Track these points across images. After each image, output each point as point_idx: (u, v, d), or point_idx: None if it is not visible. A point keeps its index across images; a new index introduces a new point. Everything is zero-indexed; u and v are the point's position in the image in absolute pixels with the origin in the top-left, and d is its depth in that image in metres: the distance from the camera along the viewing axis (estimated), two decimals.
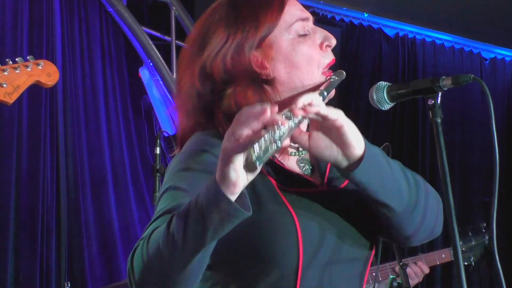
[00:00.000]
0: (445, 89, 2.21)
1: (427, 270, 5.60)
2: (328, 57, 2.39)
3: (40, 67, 2.25)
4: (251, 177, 1.96)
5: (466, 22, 8.21)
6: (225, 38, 2.35)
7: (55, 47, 5.76)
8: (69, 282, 4.88)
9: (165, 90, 6.06)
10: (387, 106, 2.31)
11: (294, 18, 2.37)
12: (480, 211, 7.51)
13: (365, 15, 7.94)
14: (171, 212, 2.14)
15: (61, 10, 5.83)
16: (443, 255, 5.65)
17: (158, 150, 5.53)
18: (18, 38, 5.62)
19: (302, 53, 2.36)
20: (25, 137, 5.63)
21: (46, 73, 2.27)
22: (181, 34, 6.18)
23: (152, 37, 6.06)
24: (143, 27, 6.00)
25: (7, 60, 2.23)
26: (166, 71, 6.03)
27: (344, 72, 2.32)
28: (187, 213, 2.03)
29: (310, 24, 2.41)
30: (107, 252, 5.83)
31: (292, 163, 2.38)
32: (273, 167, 2.31)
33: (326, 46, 2.39)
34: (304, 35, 2.38)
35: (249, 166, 1.91)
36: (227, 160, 1.95)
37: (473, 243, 5.48)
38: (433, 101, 2.21)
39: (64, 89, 5.85)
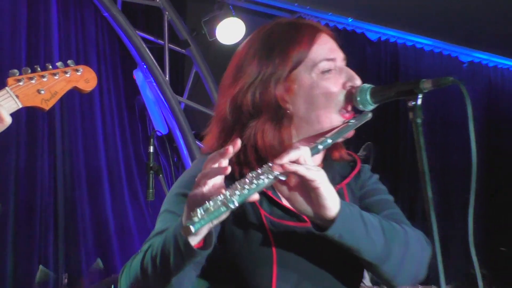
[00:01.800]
0: (425, 91, 2.20)
1: None
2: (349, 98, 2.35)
3: (79, 73, 2.26)
4: (216, 221, 1.98)
5: (445, 26, 8.22)
6: (256, 72, 2.36)
7: (53, 49, 5.77)
8: (67, 274, 4.88)
9: (158, 91, 6.08)
10: (370, 107, 2.31)
11: (320, 57, 2.37)
12: (459, 209, 7.55)
13: (349, 20, 7.95)
14: (162, 233, 2.24)
15: (58, 14, 5.83)
16: None
17: (151, 149, 5.54)
18: (16, 41, 5.63)
19: (322, 89, 2.35)
20: (23, 137, 5.63)
21: (84, 79, 2.28)
22: (174, 37, 6.23)
23: (145, 40, 6.07)
24: (137, 31, 6.01)
25: (46, 65, 2.21)
26: (159, 73, 6.04)
27: (370, 114, 2.32)
28: (157, 249, 2.15)
29: (338, 63, 2.40)
30: (103, 247, 5.84)
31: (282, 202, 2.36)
32: (268, 199, 2.33)
33: (350, 86, 2.37)
34: (329, 71, 2.37)
35: (184, 229, 1.94)
36: (189, 208, 2.02)
37: None
38: (413, 103, 2.21)
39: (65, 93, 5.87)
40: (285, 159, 2.04)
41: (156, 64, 6.05)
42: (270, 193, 2.35)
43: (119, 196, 6.06)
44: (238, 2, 6.73)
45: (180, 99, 6.18)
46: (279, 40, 2.41)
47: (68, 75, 2.24)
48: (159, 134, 6.07)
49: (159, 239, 2.19)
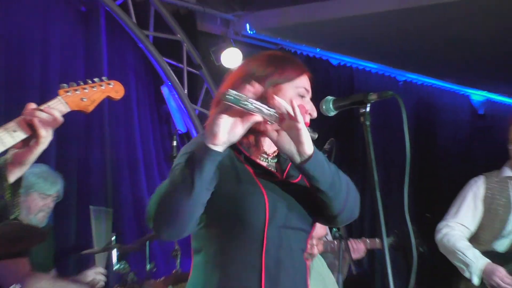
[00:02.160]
0: (372, 101, 2.27)
1: (363, 247, 5.30)
2: (307, 119, 2.36)
3: (111, 86, 2.28)
4: (232, 137, 2.06)
5: (386, 53, 8.21)
6: (254, 71, 2.36)
7: (103, 71, 5.71)
8: (114, 234, 4.84)
9: (179, 101, 6.08)
10: (332, 113, 2.39)
11: (302, 85, 2.36)
12: (397, 187, 7.61)
13: (317, 50, 7.92)
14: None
15: (107, 45, 5.77)
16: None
17: (174, 143, 5.54)
18: (77, 64, 5.64)
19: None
20: (81, 133, 5.63)
21: (115, 90, 2.30)
22: (190, 62, 6.20)
23: (169, 64, 6.05)
24: (163, 57, 5.99)
25: (87, 80, 2.24)
26: (179, 88, 6.04)
27: (316, 135, 2.30)
28: (184, 162, 2.12)
29: (308, 95, 2.38)
30: (140, 216, 5.82)
31: (263, 164, 2.39)
32: (250, 162, 2.35)
33: (308, 112, 2.35)
34: (302, 97, 2.36)
35: (223, 96, 2.00)
36: (214, 118, 2.06)
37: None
38: (363, 110, 2.27)
39: (109, 101, 5.86)
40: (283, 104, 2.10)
41: (177, 81, 6.04)
42: (256, 159, 2.38)
43: (151, 178, 6.00)
44: (236, 37, 6.73)
45: (195, 107, 6.18)
46: (281, 59, 2.40)
47: (103, 88, 2.28)
48: (180, 132, 6.09)
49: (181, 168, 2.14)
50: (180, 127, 6.17)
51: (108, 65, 5.78)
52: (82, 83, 2.21)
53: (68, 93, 2.16)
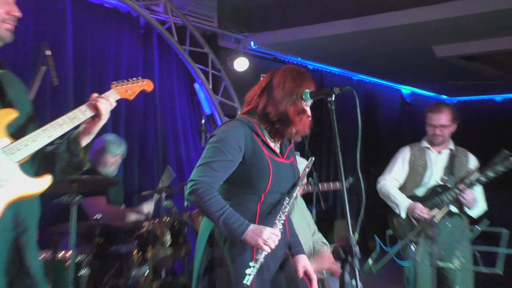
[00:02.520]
0: (336, 93, 2.25)
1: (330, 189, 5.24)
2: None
3: (145, 83, 2.23)
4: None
5: (344, 61, 8.19)
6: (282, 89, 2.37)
7: (155, 74, 5.69)
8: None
9: (206, 93, 6.06)
10: (309, 101, 2.41)
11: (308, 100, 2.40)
12: (352, 156, 7.60)
13: (299, 59, 7.90)
14: (209, 164, 2.22)
15: (158, 56, 5.76)
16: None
17: (203, 121, 5.54)
18: (137, 70, 5.59)
19: (304, 118, 2.39)
20: (140, 114, 5.62)
21: (147, 85, 2.26)
22: (213, 67, 6.11)
23: (200, 69, 5.99)
24: (196, 64, 5.95)
25: (128, 79, 2.22)
26: (206, 84, 6.01)
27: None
28: (228, 220, 2.15)
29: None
30: (181, 171, 5.83)
31: (272, 146, 2.39)
32: (265, 143, 2.34)
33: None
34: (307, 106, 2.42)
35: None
36: (253, 243, 2.14)
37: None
38: (330, 99, 2.24)
39: (160, 94, 5.79)
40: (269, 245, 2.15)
41: (205, 79, 5.99)
42: (267, 141, 2.37)
43: (187, 143, 5.98)
44: (244, 50, 6.70)
45: (217, 97, 6.14)
46: (299, 77, 2.42)
47: (139, 83, 2.23)
48: (206, 114, 6.08)
49: (226, 215, 2.16)
50: (206, 111, 6.16)
51: (159, 70, 5.76)
52: (126, 80, 2.19)
53: (117, 87, 2.14)
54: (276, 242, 2.14)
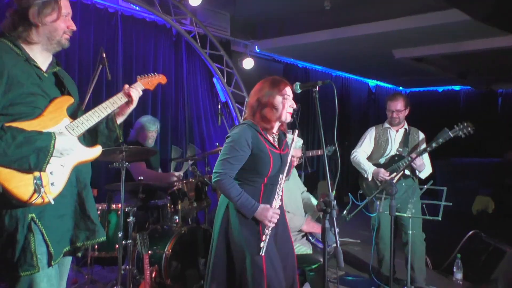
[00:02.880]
0: (319, 85, 2.20)
1: (315, 154, 5.19)
2: (290, 110, 2.36)
3: (160, 77, 2.20)
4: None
5: (325, 60, 8.12)
6: (266, 93, 2.35)
7: (183, 73, 5.64)
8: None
9: (222, 86, 5.99)
10: (299, 91, 2.34)
11: (285, 93, 2.36)
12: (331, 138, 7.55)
13: (291, 59, 7.82)
14: (228, 160, 2.25)
15: (186, 58, 5.69)
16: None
17: (219, 106, 5.56)
18: (171, 70, 5.54)
19: (282, 105, 2.35)
20: (174, 103, 5.56)
21: (162, 79, 2.22)
22: (227, 66, 6.00)
23: (217, 67, 5.89)
24: (215, 63, 5.86)
25: (149, 73, 2.20)
26: (222, 79, 5.91)
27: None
28: (243, 203, 2.23)
29: (290, 97, 2.36)
30: (202, 144, 5.79)
31: (271, 140, 2.36)
32: (266, 140, 2.34)
33: (290, 106, 2.35)
34: (286, 99, 2.35)
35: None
36: (261, 219, 2.23)
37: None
38: (315, 89, 2.20)
39: (187, 86, 5.75)
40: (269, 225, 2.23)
41: (221, 75, 5.91)
42: (268, 138, 2.37)
43: (207, 124, 5.95)
44: (250, 53, 6.61)
45: (229, 88, 6.05)
46: (277, 83, 2.38)
47: (156, 77, 2.19)
48: (222, 101, 6.05)
49: (242, 199, 2.22)
50: (222, 99, 6.09)
51: (187, 68, 5.70)
52: (147, 75, 2.16)
53: (141, 80, 2.12)
54: (277, 219, 2.23)
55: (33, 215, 1.69)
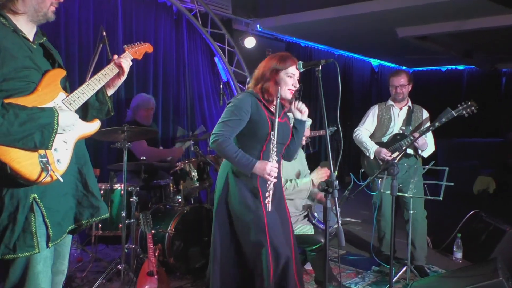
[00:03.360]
0: (322, 64, 2.22)
1: (318, 134, 5.23)
2: (292, 88, 2.38)
3: (146, 45, 2.13)
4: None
5: (328, 39, 8.04)
6: (270, 67, 2.38)
7: (184, 50, 5.58)
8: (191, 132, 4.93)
9: (223, 65, 5.93)
10: (302, 70, 2.35)
11: (290, 72, 2.36)
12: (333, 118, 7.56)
13: (294, 38, 7.73)
14: (226, 123, 2.29)
15: (187, 36, 5.62)
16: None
17: (221, 86, 5.52)
18: (172, 47, 5.48)
19: (284, 82, 2.36)
20: (175, 81, 5.53)
21: (148, 48, 2.15)
22: (229, 44, 5.96)
23: (219, 46, 5.84)
24: (216, 42, 5.80)
25: (135, 42, 2.12)
26: (223, 58, 5.86)
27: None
28: (241, 160, 2.25)
29: (296, 75, 2.38)
30: (204, 122, 5.78)
31: (271, 109, 2.39)
32: (266, 107, 2.38)
33: (293, 84, 2.37)
34: (290, 77, 2.37)
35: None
36: (260, 173, 2.24)
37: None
38: (318, 69, 2.20)
39: (188, 65, 5.71)
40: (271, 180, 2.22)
41: (222, 54, 5.86)
42: (268, 106, 2.39)
43: (209, 102, 5.91)
44: (252, 31, 6.52)
45: (231, 68, 6.01)
46: (284, 58, 2.39)
47: (143, 46, 2.12)
48: (223, 81, 5.99)
49: (239, 156, 2.25)
50: (224, 78, 6.03)
51: (188, 47, 5.63)
52: (133, 44, 2.09)
53: (129, 49, 2.04)
54: (276, 172, 2.23)
55: (35, 195, 1.65)
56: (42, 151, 1.62)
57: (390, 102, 3.88)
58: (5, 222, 1.62)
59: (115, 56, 1.94)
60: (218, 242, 2.37)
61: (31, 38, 1.73)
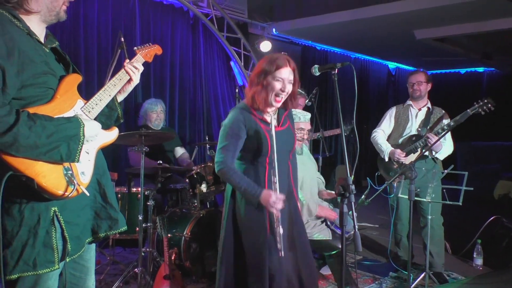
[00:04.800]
0: (338, 67, 2.17)
1: (333, 133, 5.17)
2: (280, 94, 2.22)
3: (156, 47, 2.06)
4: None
5: (343, 43, 8.00)
6: (261, 73, 2.24)
7: (201, 54, 5.59)
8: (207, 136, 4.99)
9: (239, 69, 5.95)
10: (317, 74, 2.30)
11: (278, 76, 2.21)
12: (349, 119, 7.48)
13: (310, 42, 7.71)
14: (225, 148, 2.21)
15: (203, 41, 5.65)
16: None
17: (236, 90, 5.51)
18: (189, 52, 5.50)
19: (272, 87, 2.21)
20: (192, 86, 5.57)
21: (158, 49, 2.07)
22: (245, 48, 5.98)
23: (235, 50, 5.87)
24: (232, 47, 5.83)
25: (145, 44, 2.04)
26: (239, 62, 5.88)
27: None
28: (247, 190, 2.19)
29: (287, 79, 2.22)
30: (218, 125, 5.84)
31: (267, 119, 2.28)
32: (261, 119, 2.27)
33: (281, 89, 2.22)
34: (278, 81, 2.22)
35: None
36: (265, 205, 2.16)
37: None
38: (334, 72, 2.16)
39: (205, 69, 5.73)
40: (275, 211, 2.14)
41: (238, 58, 5.88)
42: (262, 118, 2.29)
43: (224, 105, 5.92)
44: (267, 35, 6.53)
45: (247, 72, 6.01)
46: (273, 60, 2.22)
47: (153, 48, 2.04)
48: (239, 85, 6.01)
49: (245, 187, 2.18)
50: (239, 82, 6.05)
51: (204, 51, 5.67)
52: (143, 46, 2.00)
53: (140, 52, 1.95)
54: (281, 204, 2.14)
55: (56, 208, 1.56)
56: (66, 164, 1.54)
57: (408, 102, 3.82)
58: (24, 237, 1.50)
59: (126, 61, 1.87)
60: (225, 251, 2.33)
61: (42, 40, 1.63)
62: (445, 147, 3.61)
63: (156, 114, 4.31)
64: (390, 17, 5.87)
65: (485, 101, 3.27)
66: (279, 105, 2.25)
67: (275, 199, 2.12)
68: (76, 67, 1.76)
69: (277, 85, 2.20)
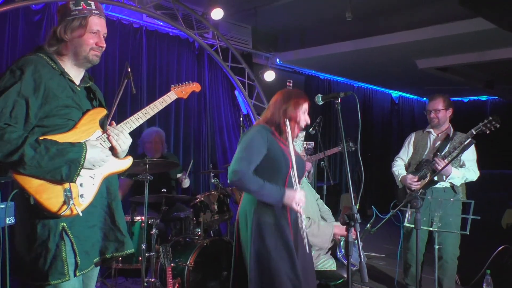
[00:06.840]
0: (341, 97, 2.20)
1: (334, 151, 5.11)
2: (303, 124, 2.40)
3: (194, 85, 2.23)
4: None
5: (347, 72, 8.06)
6: (283, 103, 2.38)
7: (206, 84, 5.66)
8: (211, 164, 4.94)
9: (243, 98, 5.99)
10: (321, 103, 2.33)
11: (304, 108, 2.39)
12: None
13: (313, 71, 7.79)
14: (243, 158, 2.23)
15: (208, 71, 5.72)
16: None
17: (241, 119, 5.53)
18: (193, 81, 5.61)
19: (300, 119, 2.38)
20: (196, 115, 5.59)
21: (196, 87, 2.24)
22: (249, 77, 6.01)
23: (239, 79, 5.91)
24: (236, 76, 5.88)
25: (183, 82, 2.23)
26: (243, 91, 5.92)
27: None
28: (270, 190, 2.22)
29: (306, 112, 2.40)
30: (224, 154, 5.83)
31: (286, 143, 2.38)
32: (280, 140, 2.36)
33: (305, 120, 2.41)
34: (303, 113, 2.40)
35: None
36: (289, 203, 2.22)
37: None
38: (337, 101, 2.18)
39: (209, 98, 5.77)
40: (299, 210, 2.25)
41: (242, 88, 5.91)
42: (281, 139, 2.37)
43: (229, 134, 5.95)
44: (271, 65, 6.61)
45: (251, 101, 6.05)
46: (295, 96, 2.41)
47: (190, 85, 2.22)
48: (243, 113, 6.05)
49: (267, 187, 2.20)
50: (244, 111, 6.09)
51: (209, 80, 5.74)
52: (181, 83, 2.20)
53: (175, 89, 2.15)
54: (303, 202, 2.23)
55: (64, 224, 1.73)
56: (67, 185, 1.70)
57: (428, 128, 3.74)
58: (38, 250, 1.70)
59: (113, 125, 1.91)
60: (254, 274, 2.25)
61: (77, 81, 1.88)
62: (461, 171, 3.48)
63: (150, 144, 4.30)
64: (392, 47, 5.94)
65: (490, 119, 3.23)
66: (299, 132, 2.44)
67: (299, 196, 2.21)
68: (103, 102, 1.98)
69: (303, 117, 2.40)
